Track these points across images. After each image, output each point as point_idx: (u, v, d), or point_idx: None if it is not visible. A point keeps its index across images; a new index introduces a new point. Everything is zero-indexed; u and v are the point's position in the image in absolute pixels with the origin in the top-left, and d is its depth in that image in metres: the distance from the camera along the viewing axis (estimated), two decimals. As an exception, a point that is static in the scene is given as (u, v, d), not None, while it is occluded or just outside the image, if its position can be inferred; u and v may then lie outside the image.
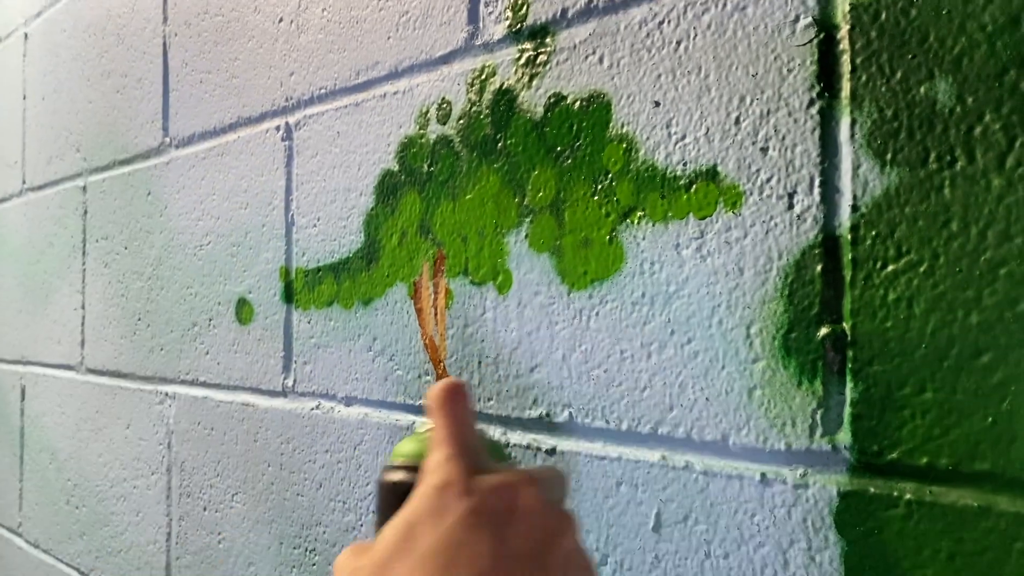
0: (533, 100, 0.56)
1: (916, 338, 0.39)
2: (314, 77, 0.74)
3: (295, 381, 0.76)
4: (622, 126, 0.51)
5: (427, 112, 0.63)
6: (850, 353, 0.41)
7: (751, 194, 0.45)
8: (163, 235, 0.96)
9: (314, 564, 0.73)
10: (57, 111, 1.21)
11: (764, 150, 0.44)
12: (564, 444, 0.54)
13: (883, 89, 0.40)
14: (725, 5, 0.46)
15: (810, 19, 0.42)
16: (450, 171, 0.61)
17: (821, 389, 0.42)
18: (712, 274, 0.46)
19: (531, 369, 0.56)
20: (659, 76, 0.49)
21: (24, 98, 1.32)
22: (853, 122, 0.41)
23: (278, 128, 0.78)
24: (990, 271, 0.36)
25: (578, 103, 0.53)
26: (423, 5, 0.64)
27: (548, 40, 0.55)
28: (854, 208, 0.41)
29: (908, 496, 0.39)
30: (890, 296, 0.39)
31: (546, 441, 0.55)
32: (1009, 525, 0.36)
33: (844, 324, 0.41)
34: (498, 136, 0.58)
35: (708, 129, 0.47)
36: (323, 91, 0.74)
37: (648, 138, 0.49)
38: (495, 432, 0.58)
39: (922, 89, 0.39)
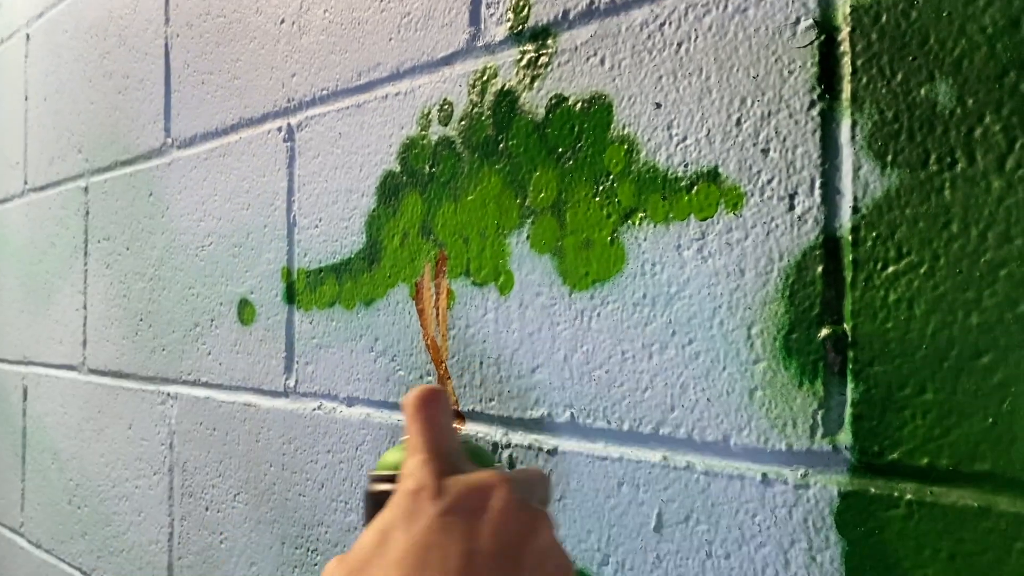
0: (535, 101, 0.56)
1: (917, 339, 0.39)
2: (316, 78, 0.75)
3: (297, 381, 0.76)
4: (623, 127, 0.51)
5: (429, 113, 0.64)
6: (851, 354, 0.41)
7: (752, 195, 0.45)
8: (165, 236, 0.96)
9: (316, 564, 0.73)
10: (59, 112, 1.21)
11: (765, 151, 0.44)
12: (565, 444, 0.54)
13: (884, 91, 0.40)
14: (726, 7, 0.46)
15: (811, 21, 0.43)
16: (452, 172, 0.62)
17: (822, 390, 0.42)
18: (713, 275, 0.46)
19: (533, 370, 0.56)
20: (660, 78, 0.49)
21: (26, 99, 1.32)
22: (854, 124, 0.41)
23: (280, 129, 0.79)
24: (990, 272, 0.37)
25: (579, 104, 0.53)
26: (425, 7, 0.64)
27: (549, 42, 0.55)
28: (855, 209, 0.41)
29: (909, 496, 0.39)
30: (891, 297, 0.40)
31: (548, 441, 0.55)
32: (1009, 525, 0.36)
33: (845, 325, 0.41)
34: (500, 137, 0.58)
35: (709, 130, 0.47)
36: (325, 92, 0.74)
37: (649, 139, 0.50)
38: (497, 433, 0.58)
39: (922, 91, 0.39)
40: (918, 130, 0.39)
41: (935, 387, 0.38)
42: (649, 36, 0.50)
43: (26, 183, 1.31)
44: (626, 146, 0.51)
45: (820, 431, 0.42)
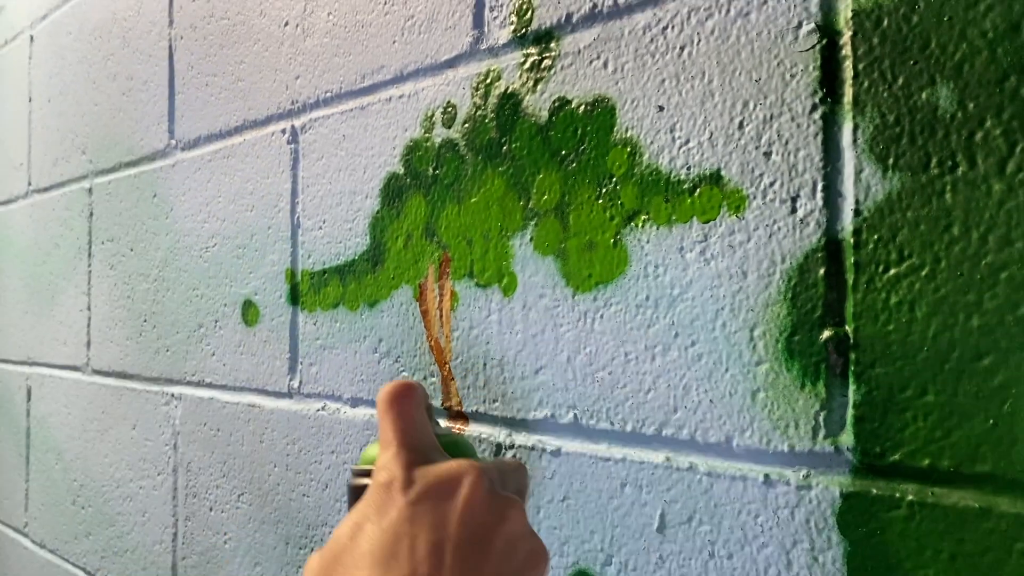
0: (538, 104, 0.56)
1: (918, 341, 0.39)
2: (320, 81, 0.75)
3: (301, 382, 0.77)
4: (626, 130, 0.51)
5: (432, 116, 0.64)
6: (853, 356, 0.41)
7: (754, 198, 0.45)
8: (169, 237, 0.96)
9: (320, 564, 0.74)
10: (63, 113, 1.22)
11: (767, 155, 0.45)
12: (569, 446, 0.54)
13: (885, 95, 0.40)
14: (728, 11, 0.46)
15: (813, 25, 0.43)
16: (455, 174, 0.62)
17: (824, 391, 0.42)
18: (716, 277, 0.47)
19: (536, 371, 0.56)
20: (663, 81, 0.50)
21: (30, 100, 1.32)
22: (855, 127, 0.41)
23: (284, 131, 0.79)
24: (991, 275, 0.37)
25: (582, 107, 0.54)
26: (428, 10, 0.65)
27: (553, 45, 0.56)
28: (856, 212, 0.41)
29: (910, 497, 0.39)
30: (892, 299, 0.40)
31: (551, 443, 0.55)
32: (1010, 526, 0.36)
33: (847, 327, 0.41)
34: (503, 140, 0.59)
35: (712, 134, 0.47)
36: (329, 94, 0.74)
37: (652, 142, 0.50)
38: (500, 434, 0.59)
39: (924, 95, 0.39)
40: (919, 134, 0.39)
41: (936, 389, 0.38)
42: (652, 40, 0.50)
43: (30, 184, 1.32)
44: (629, 149, 0.51)
45: (822, 432, 0.42)
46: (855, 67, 0.41)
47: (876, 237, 0.40)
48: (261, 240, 0.82)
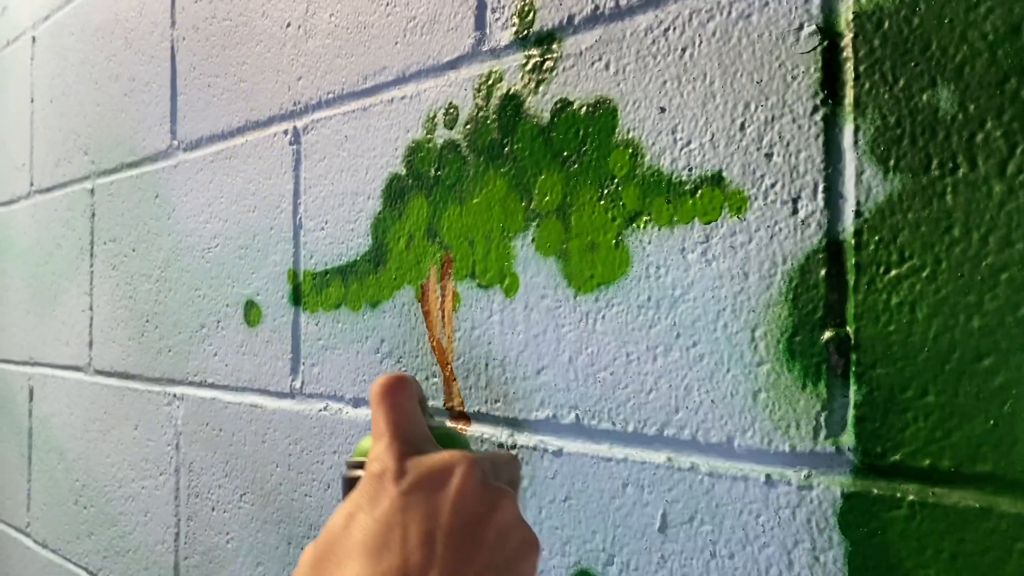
0: (540, 105, 0.57)
1: (919, 342, 0.39)
2: (322, 82, 0.75)
3: (303, 383, 0.77)
4: (628, 132, 0.51)
5: (434, 117, 0.64)
6: (854, 356, 0.41)
7: (756, 199, 0.45)
8: (171, 237, 0.97)
9: (322, 564, 0.74)
10: (65, 114, 1.22)
11: (769, 156, 0.45)
12: (571, 446, 0.54)
13: (886, 96, 0.40)
14: (730, 13, 0.47)
15: (814, 27, 0.43)
16: (457, 175, 0.62)
17: (825, 392, 0.42)
18: (717, 278, 0.47)
19: (538, 371, 0.56)
20: (664, 82, 0.50)
21: (32, 101, 1.33)
22: (856, 129, 0.41)
23: (286, 132, 0.79)
24: (991, 276, 0.37)
25: (584, 109, 0.54)
26: (430, 11, 0.65)
27: (554, 46, 0.56)
28: (857, 213, 0.41)
29: (911, 497, 0.39)
30: (893, 300, 0.40)
31: (552, 443, 0.56)
32: (1010, 526, 0.36)
33: (848, 328, 0.42)
34: (505, 141, 0.59)
35: (713, 135, 0.47)
36: (331, 95, 0.74)
37: (654, 143, 0.50)
38: (502, 434, 0.59)
39: (924, 96, 0.39)
40: (920, 135, 0.39)
41: (937, 389, 0.39)
42: (653, 41, 0.50)
43: (32, 185, 1.32)
44: (631, 150, 0.51)
45: (823, 433, 0.43)
46: (856, 69, 0.42)
47: (877, 238, 0.41)
48: (263, 241, 0.82)
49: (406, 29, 0.67)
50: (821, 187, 0.43)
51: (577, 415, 0.54)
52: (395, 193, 0.67)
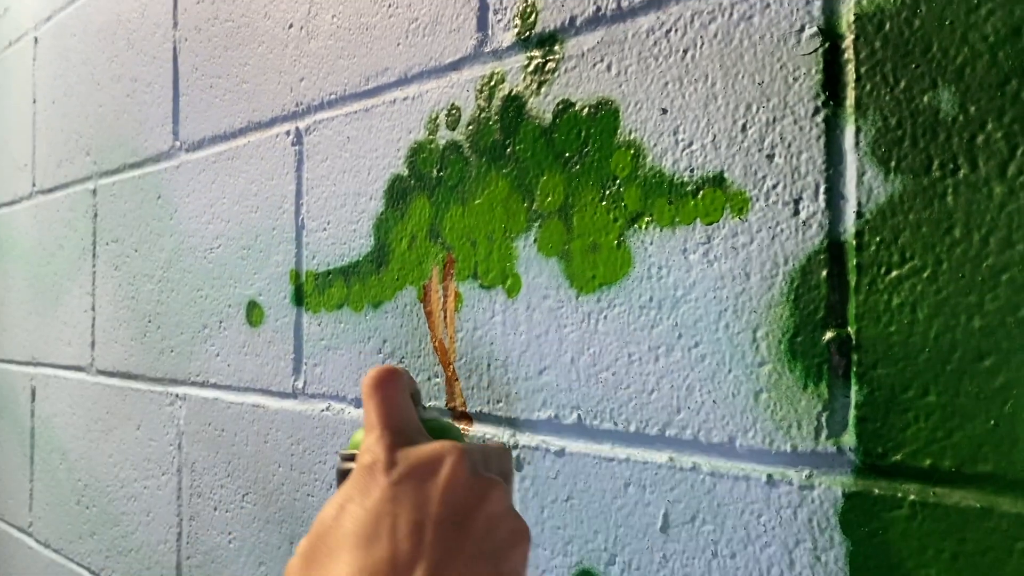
0: (542, 107, 0.57)
1: (920, 342, 0.39)
2: (324, 83, 0.75)
3: (305, 383, 0.77)
4: (630, 133, 0.52)
5: (436, 118, 0.64)
6: (855, 357, 0.42)
7: (757, 200, 0.45)
8: (173, 238, 0.97)
9: (324, 564, 0.74)
10: (67, 114, 1.22)
11: (770, 157, 0.45)
12: (573, 446, 0.55)
13: (887, 98, 0.41)
14: (731, 15, 0.47)
15: (815, 29, 0.43)
16: (459, 176, 0.62)
17: (826, 392, 0.43)
18: (719, 279, 0.47)
19: (540, 372, 0.57)
20: (666, 84, 0.50)
21: (34, 101, 1.33)
22: (858, 130, 0.42)
23: (288, 133, 0.79)
24: (992, 277, 0.37)
25: (586, 110, 0.54)
26: (432, 12, 0.65)
27: (556, 48, 0.56)
28: (859, 214, 0.42)
29: (912, 497, 0.39)
30: (894, 301, 0.40)
31: (554, 443, 0.56)
32: (1011, 526, 0.36)
33: (849, 328, 0.42)
34: (507, 142, 0.59)
35: (715, 136, 0.47)
36: (333, 96, 0.74)
37: (656, 145, 0.50)
38: (504, 434, 0.59)
39: (925, 98, 0.39)
40: (921, 137, 0.39)
41: (938, 390, 0.39)
42: (655, 43, 0.50)
43: (34, 185, 1.32)
44: (632, 151, 0.51)
45: (824, 433, 0.43)
46: (857, 70, 0.42)
47: (878, 239, 0.41)
48: (265, 241, 0.82)
49: (408, 30, 0.67)
50: (822, 188, 0.43)
51: (579, 415, 0.54)
52: (397, 194, 0.68)
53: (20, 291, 1.37)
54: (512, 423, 0.58)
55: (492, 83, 0.60)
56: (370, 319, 0.70)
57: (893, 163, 0.40)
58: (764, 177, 0.45)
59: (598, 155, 0.53)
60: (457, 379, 0.63)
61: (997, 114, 0.37)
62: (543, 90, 0.57)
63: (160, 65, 1.00)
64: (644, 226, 0.51)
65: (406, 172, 0.67)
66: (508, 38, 0.59)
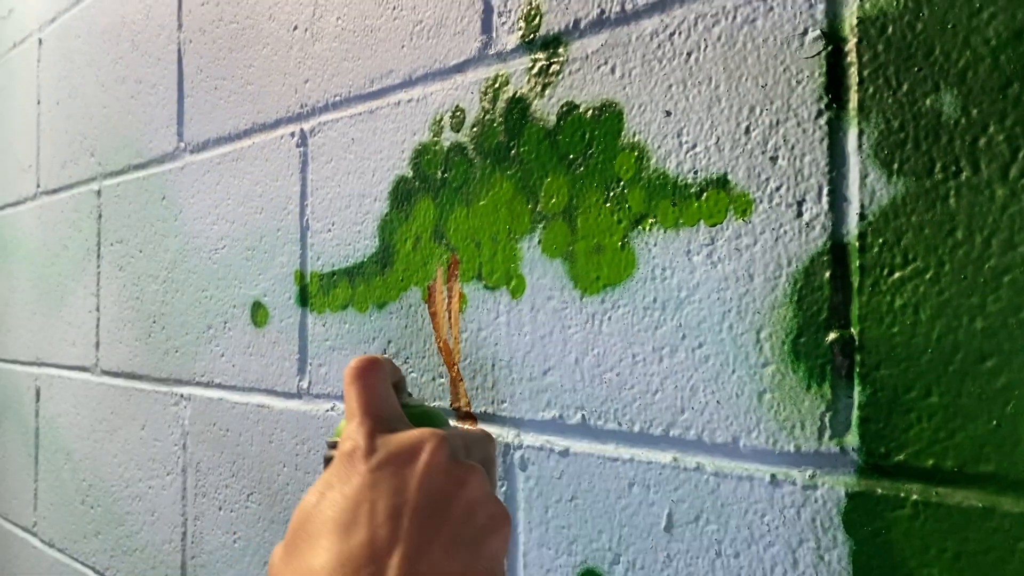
0: (546, 109, 0.57)
1: (922, 343, 0.40)
2: (329, 84, 0.76)
3: (310, 383, 0.77)
4: (634, 135, 0.52)
5: (441, 120, 0.65)
6: (858, 357, 0.42)
7: (761, 202, 0.46)
8: (178, 239, 0.97)
9: (329, 563, 0.74)
10: (71, 116, 1.23)
11: (773, 159, 0.45)
12: (577, 446, 0.55)
13: (890, 101, 0.41)
14: (735, 18, 0.47)
15: (818, 32, 0.44)
16: (464, 177, 0.63)
17: (830, 393, 0.43)
18: (723, 280, 0.47)
19: (544, 372, 0.57)
20: (670, 86, 0.50)
21: (38, 103, 1.33)
22: (860, 133, 0.42)
23: (293, 134, 0.80)
24: (994, 278, 0.38)
25: (590, 112, 0.54)
26: (437, 15, 0.65)
27: (561, 50, 0.56)
28: (862, 216, 0.42)
29: (915, 497, 0.40)
30: (897, 302, 0.40)
31: (559, 443, 0.56)
32: (1013, 525, 0.37)
33: (852, 329, 0.42)
34: (511, 144, 0.59)
35: (718, 138, 0.48)
36: (338, 98, 0.75)
37: (659, 147, 0.51)
38: (509, 434, 0.59)
39: (928, 101, 0.40)
40: (923, 139, 0.40)
41: (940, 390, 0.39)
42: (659, 45, 0.51)
43: (39, 186, 1.33)
44: (636, 153, 0.52)
45: (828, 433, 0.43)
46: (860, 73, 0.42)
47: (881, 241, 0.41)
48: (270, 242, 0.82)
49: (413, 33, 0.67)
50: (825, 190, 0.43)
51: (583, 415, 0.55)
52: (402, 195, 0.68)
53: (24, 292, 1.37)
54: (516, 423, 0.59)
55: (496, 85, 0.60)
56: (375, 320, 0.70)
57: (896, 165, 0.41)
58: (767, 179, 0.46)
59: (602, 157, 0.54)
60: (462, 379, 0.63)
61: (999, 117, 0.37)
62: (547, 92, 0.57)
63: (165, 67, 1.00)
64: (648, 228, 0.51)
65: (410, 173, 0.67)
66: (512, 40, 0.59)
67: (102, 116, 1.14)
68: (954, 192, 0.39)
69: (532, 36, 0.58)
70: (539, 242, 0.57)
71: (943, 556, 0.39)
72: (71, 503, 1.21)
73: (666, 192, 0.50)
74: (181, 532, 0.96)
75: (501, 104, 0.60)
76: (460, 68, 0.63)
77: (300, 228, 0.79)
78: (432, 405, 0.61)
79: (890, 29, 0.41)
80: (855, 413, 0.42)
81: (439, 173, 0.65)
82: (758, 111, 0.46)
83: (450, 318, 0.64)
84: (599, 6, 0.54)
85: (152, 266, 1.02)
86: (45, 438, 1.30)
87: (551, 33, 0.57)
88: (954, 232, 0.39)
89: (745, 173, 0.46)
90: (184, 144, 0.97)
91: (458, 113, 0.63)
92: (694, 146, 0.49)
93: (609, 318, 0.53)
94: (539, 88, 0.58)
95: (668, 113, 0.50)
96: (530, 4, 0.58)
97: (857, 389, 0.42)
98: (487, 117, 0.61)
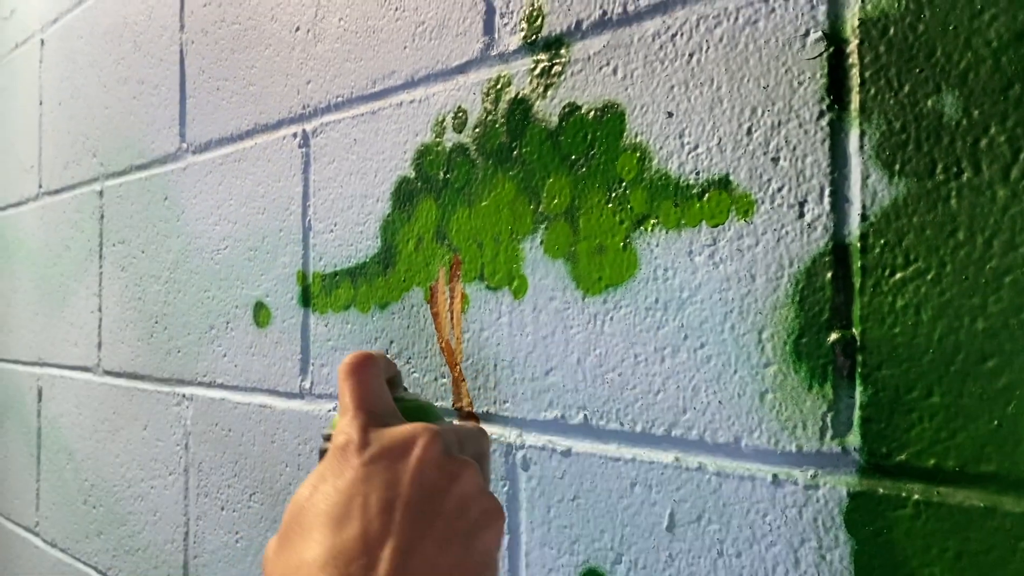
0: (548, 110, 0.57)
1: (924, 343, 0.40)
2: (331, 85, 0.76)
3: (312, 383, 0.78)
4: (636, 136, 0.52)
5: (443, 120, 0.65)
6: (860, 358, 0.42)
7: (763, 203, 0.46)
8: (180, 239, 0.97)
9: (331, 563, 0.75)
10: (74, 116, 1.23)
11: (775, 160, 0.45)
12: (579, 446, 0.55)
13: (891, 102, 0.41)
14: (737, 19, 0.47)
15: (820, 33, 0.44)
16: (466, 178, 0.63)
17: (831, 393, 0.43)
18: (724, 280, 0.48)
19: (546, 372, 0.57)
20: (672, 87, 0.50)
21: (41, 103, 1.34)
22: (862, 134, 0.42)
23: (295, 135, 0.80)
24: (995, 279, 0.38)
25: (592, 113, 0.55)
26: (439, 16, 0.65)
27: (563, 51, 0.56)
28: (863, 217, 0.42)
29: (916, 496, 0.40)
30: (898, 303, 0.41)
31: (561, 443, 0.56)
32: (1014, 525, 0.37)
33: (854, 330, 0.42)
34: (513, 144, 0.59)
35: (720, 139, 0.48)
36: (340, 99, 0.75)
37: (661, 148, 0.51)
38: (511, 434, 0.59)
39: (929, 102, 0.40)
40: (925, 140, 0.40)
41: (942, 390, 0.39)
42: (661, 47, 0.51)
43: (41, 187, 1.33)
44: (638, 154, 0.52)
45: (829, 433, 0.43)
46: (862, 74, 0.42)
47: (882, 242, 0.41)
48: (272, 243, 0.83)
49: (415, 34, 0.68)
50: (827, 191, 0.43)
51: (585, 415, 0.55)
52: (404, 196, 0.68)
53: (27, 292, 1.37)
54: (519, 423, 0.59)
55: (499, 86, 0.61)
56: (377, 320, 0.71)
57: (897, 166, 0.41)
58: (769, 180, 0.46)
59: (604, 158, 0.54)
60: (464, 379, 0.63)
61: (1000, 118, 0.38)
62: (549, 93, 0.57)
63: (167, 67, 1.01)
64: (650, 228, 0.51)
65: (413, 174, 0.67)
66: (514, 42, 0.60)
67: (104, 117, 1.15)
68: (955, 193, 0.39)
69: (534, 37, 0.58)
70: (541, 243, 0.57)
71: (944, 556, 0.39)
72: (73, 503, 1.21)
73: (668, 193, 0.50)
74: (183, 532, 0.96)
75: (503, 105, 0.60)
76: (462, 69, 0.64)
77: (302, 228, 0.79)
78: (427, 399, 0.61)
79: (892, 30, 0.41)
80: (857, 413, 0.42)
81: (441, 174, 0.65)
82: (760, 112, 0.46)
83: (452, 318, 0.64)
84: (601, 7, 0.54)
85: (154, 266, 1.02)
86: (47, 438, 1.30)
87: (553, 34, 0.57)
88: (955, 233, 0.39)
89: (747, 174, 0.47)
90: (186, 145, 0.97)
91: (460, 114, 0.63)
92: (696, 147, 0.49)
93: (611, 318, 0.53)
94: (541, 89, 0.58)
95: (670, 114, 0.50)
96: (532, 5, 0.58)
97: (859, 389, 0.42)
98: (489, 118, 0.61)
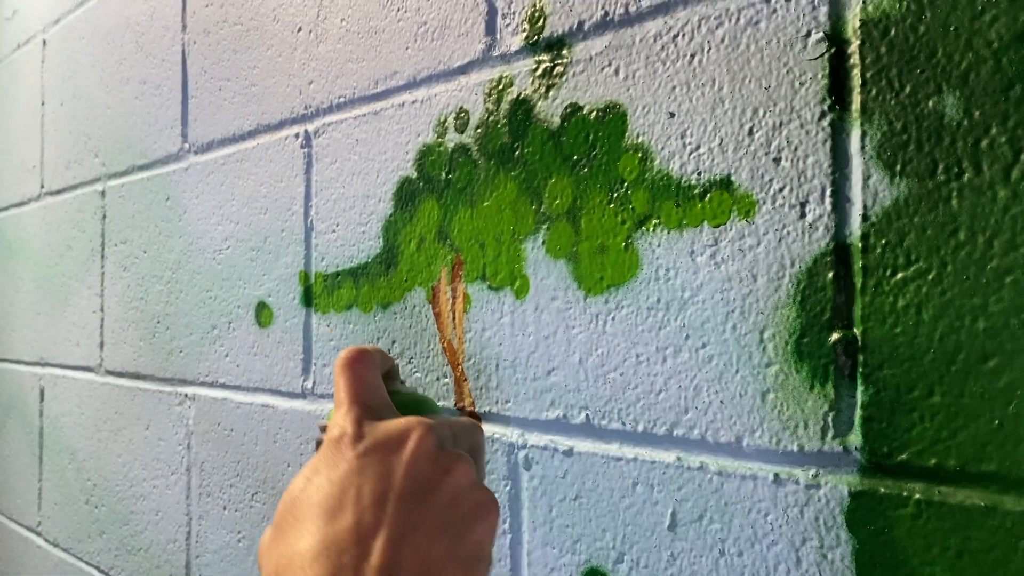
0: (550, 110, 0.57)
1: (925, 343, 0.40)
2: (333, 86, 0.76)
3: (314, 383, 0.78)
4: (637, 136, 0.52)
5: (445, 121, 0.65)
6: (861, 358, 0.42)
7: (764, 203, 0.46)
8: (182, 239, 0.98)
9: (334, 562, 0.75)
10: (76, 116, 1.23)
11: (777, 160, 0.46)
12: (581, 446, 0.55)
13: (892, 102, 0.41)
14: (738, 20, 0.47)
15: (821, 34, 0.44)
16: (468, 178, 0.63)
17: (833, 392, 0.43)
18: (726, 280, 0.48)
19: (548, 372, 0.57)
20: (674, 88, 0.50)
21: (43, 103, 1.34)
22: (863, 134, 0.42)
23: (297, 135, 0.80)
24: (996, 279, 0.38)
25: (594, 113, 0.55)
26: (441, 16, 0.66)
27: (565, 52, 0.57)
28: (864, 217, 0.42)
29: (917, 496, 0.40)
30: (899, 303, 0.41)
31: (563, 442, 0.56)
32: (1015, 524, 0.37)
33: (855, 329, 0.42)
34: (515, 145, 0.60)
35: (722, 140, 0.48)
36: (342, 100, 0.75)
37: (663, 148, 0.51)
38: (513, 434, 0.60)
39: (930, 103, 0.40)
40: (926, 141, 0.40)
41: (943, 390, 0.39)
42: (663, 47, 0.51)
43: (43, 187, 1.33)
44: (640, 154, 0.52)
45: (831, 432, 0.43)
46: (863, 75, 0.42)
47: (884, 242, 0.41)
48: (275, 243, 0.83)
49: (417, 34, 0.68)
50: (828, 191, 0.44)
51: (587, 415, 0.55)
52: (406, 196, 0.68)
53: (29, 292, 1.38)
54: (521, 423, 0.59)
55: (500, 87, 0.61)
56: (379, 320, 0.71)
57: (898, 167, 0.41)
58: (771, 180, 0.46)
59: (606, 158, 0.54)
60: (466, 379, 0.63)
61: (1001, 119, 0.38)
62: (551, 94, 0.57)
63: (169, 68, 1.01)
64: (652, 228, 0.51)
65: (415, 174, 0.68)
66: (516, 42, 0.60)
67: (106, 117, 1.15)
68: (956, 193, 0.39)
69: (536, 38, 0.58)
70: (543, 243, 0.58)
71: (945, 555, 0.39)
72: (75, 503, 1.22)
73: (670, 193, 0.50)
74: (185, 531, 0.96)
75: (505, 105, 0.60)
76: (464, 70, 0.64)
77: (304, 229, 0.79)
78: (423, 393, 0.62)
79: (893, 31, 0.41)
80: (858, 413, 0.42)
81: (443, 174, 0.65)
82: (761, 113, 0.46)
83: (454, 318, 0.64)
84: (603, 8, 0.54)
85: (156, 266, 1.03)
86: (49, 438, 1.30)
87: (555, 35, 0.57)
88: (956, 233, 0.39)
89: (748, 174, 0.47)
90: (188, 145, 0.97)
91: (462, 114, 0.64)
92: (698, 147, 0.49)
93: (613, 318, 0.53)
94: (543, 90, 0.58)
95: (672, 114, 0.51)
96: (534, 6, 0.58)
97: (860, 389, 0.42)
98: (491, 118, 0.61)
